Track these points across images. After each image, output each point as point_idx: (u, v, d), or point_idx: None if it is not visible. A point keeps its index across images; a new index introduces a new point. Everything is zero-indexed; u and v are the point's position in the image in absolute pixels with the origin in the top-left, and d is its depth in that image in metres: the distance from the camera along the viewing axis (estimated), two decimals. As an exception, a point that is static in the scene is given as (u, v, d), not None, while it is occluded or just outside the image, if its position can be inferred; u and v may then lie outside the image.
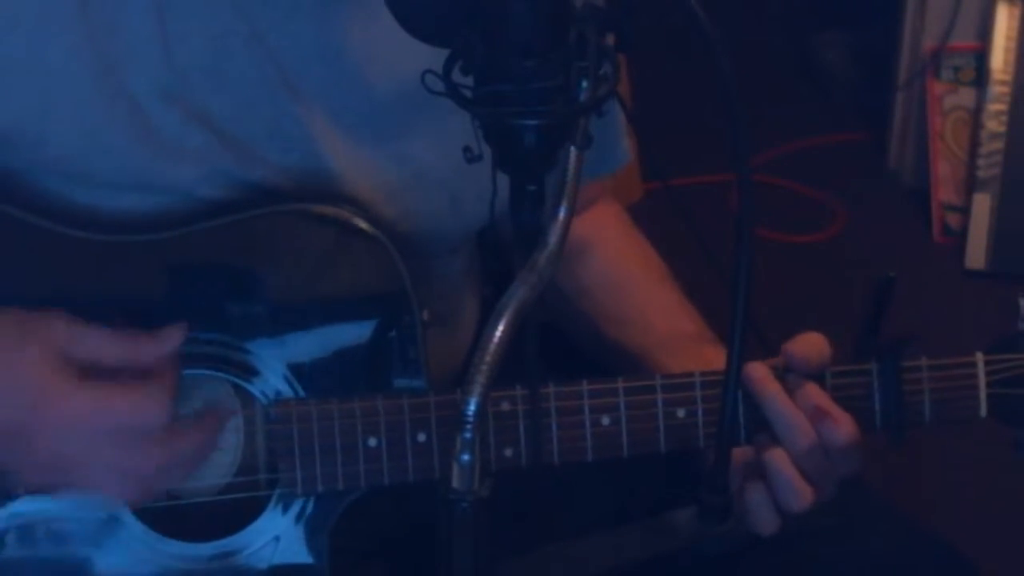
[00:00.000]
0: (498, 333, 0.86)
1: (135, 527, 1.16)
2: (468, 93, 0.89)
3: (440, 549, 0.90)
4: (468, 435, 0.86)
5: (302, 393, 1.16)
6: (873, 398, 1.21)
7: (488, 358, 0.86)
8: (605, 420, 1.18)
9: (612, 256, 1.41)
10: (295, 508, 1.17)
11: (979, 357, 1.23)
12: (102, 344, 1.08)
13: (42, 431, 1.05)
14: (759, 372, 1.19)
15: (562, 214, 0.90)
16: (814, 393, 1.19)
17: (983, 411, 1.23)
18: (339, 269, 1.17)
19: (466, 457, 0.87)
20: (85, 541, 1.16)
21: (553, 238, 0.90)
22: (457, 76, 0.89)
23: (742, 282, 0.99)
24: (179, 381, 1.10)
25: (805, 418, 1.18)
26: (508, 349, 0.87)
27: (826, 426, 1.17)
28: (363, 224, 1.16)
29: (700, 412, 1.19)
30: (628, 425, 1.19)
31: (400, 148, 1.21)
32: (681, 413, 1.19)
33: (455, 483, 0.88)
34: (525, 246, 0.90)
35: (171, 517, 1.17)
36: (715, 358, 1.28)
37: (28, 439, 1.06)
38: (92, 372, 1.07)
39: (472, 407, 0.86)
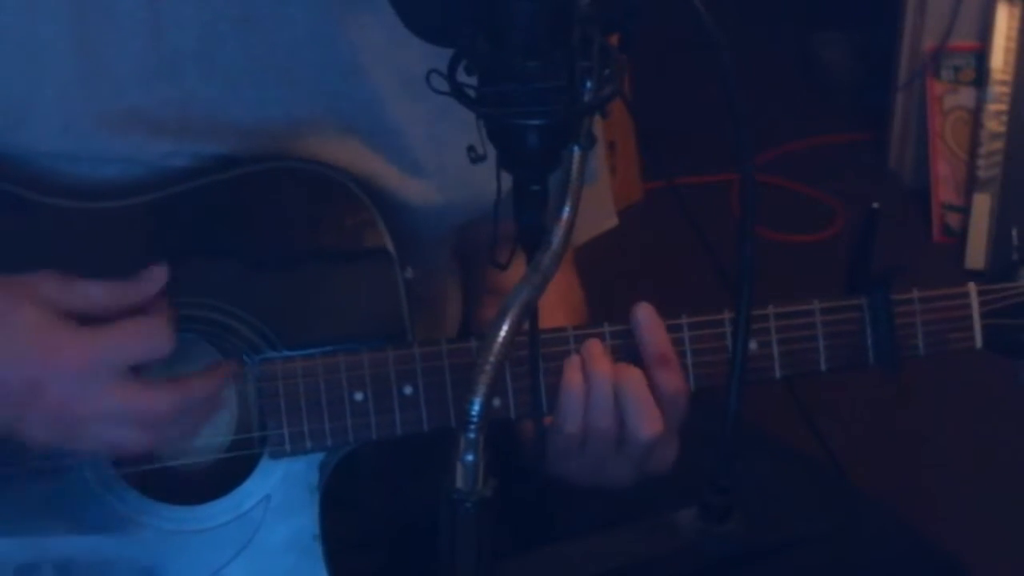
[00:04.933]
0: (502, 333, 0.86)
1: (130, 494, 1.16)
2: (472, 93, 0.89)
3: (442, 549, 0.90)
4: (472, 435, 0.86)
5: (287, 353, 1.15)
6: (865, 332, 1.20)
7: (492, 358, 0.86)
8: None
9: None
10: (284, 466, 1.16)
11: (972, 287, 1.22)
12: (93, 293, 1.08)
13: (54, 382, 1.05)
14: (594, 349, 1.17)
15: (565, 214, 0.90)
16: (660, 340, 1.17)
17: (979, 342, 1.22)
18: (320, 226, 1.17)
19: (470, 457, 0.87)
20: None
21: (556, 238, 0.90)
22: (461, 76, 0.89)
23: (744, 282, 0.99)
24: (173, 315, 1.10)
25: (579, 406, 1.15)
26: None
27: (662, 374, 1.16)
28: (341, 179, 1.16)
29: (689, 354, 1.18)
30: None
31: (394, 139, 1.22)
32: None
33: (458, 483, 0.87)
34: (528, 246, 0.91)
35: (164, 481, 1.17)
36: None
37: (40, 393, 1.05)
38: (88, 321, 1.07)
39: (476, 407, 0.86)
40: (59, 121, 1.14)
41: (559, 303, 1.37)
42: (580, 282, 1.44)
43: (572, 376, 1.16)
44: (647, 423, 1.15)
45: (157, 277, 1.10)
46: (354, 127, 1.20)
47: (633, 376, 1.15)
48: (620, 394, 1.15)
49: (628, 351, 1.18)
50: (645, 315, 1.17)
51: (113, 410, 1.07)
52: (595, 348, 1.17)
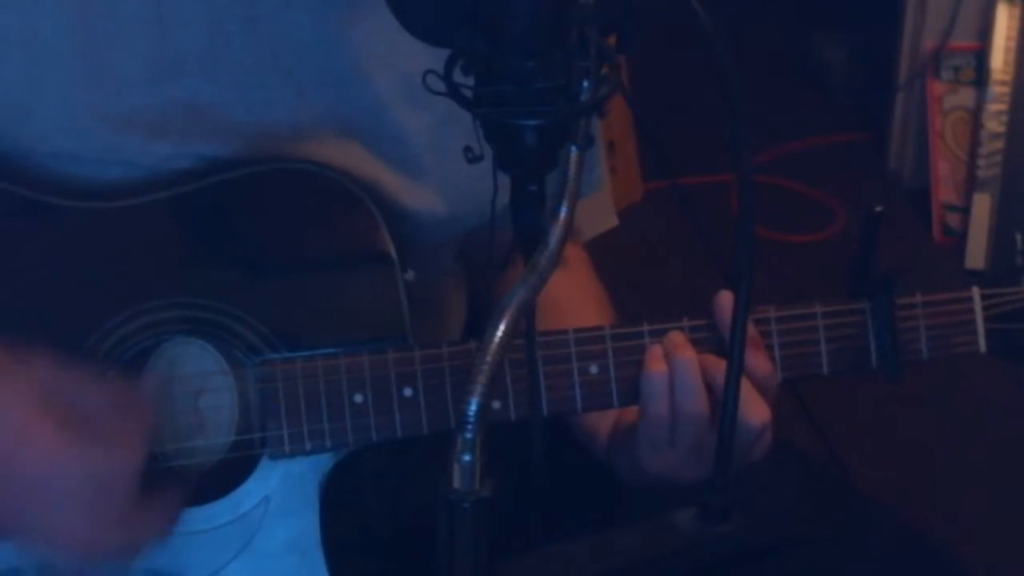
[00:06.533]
0: (499, 333, 0.86)
1: None
2: (469, 93, 0.88)
3: (441, 550, 0.89)
4: (469, 435, 0.86)
5: (287, 354, 1.15)
6: (868, 336, 1.20)
7: (489, 358, 0.86)
8: (593, 368, 1.17)
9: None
10: (283, 468, 1.16)
11: (975, 291, 1.22)
12: (83, 392, 1.06)
13: (19, 468, 1.02)
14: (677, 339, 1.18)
15: (563, 214, 0.90)
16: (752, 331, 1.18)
17: (982, 346, 1.22)
18: (321, 227, 1.17)
19: (467, 457, 0.87)
20: None
21: (554, 239, 0.89)
22: (458, 76, 0.89)
23: (743, 282, 0.99)
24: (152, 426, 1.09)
25: (663, 387, 1.16)
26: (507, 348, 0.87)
27: (753, 358, 1.16)
28: (342, 181, 1.16)
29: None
30: (617, 372, 1.17)
31: (396, 145, 1.22)
32: None
33: (456, 483, 0.87)
34: (526, 246, 0.90)
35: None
36: None
37: (4, 475, 1.03)
38: (70, 416, 1.04)
39: (473, 407, 0.85)
40: (61, 121, 1.14)
41: (591, 304, 1.37)
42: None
43: (653, 362, 1.16)
44: (753, 410, 1.15)
45: (149, 391, 1.10)
46: (356, 132, 1.20)
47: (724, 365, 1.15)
48: (716, 383, 1.15)
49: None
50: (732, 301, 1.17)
51: (70, 514, 1.04)
52: (678, 337, 1.18)
